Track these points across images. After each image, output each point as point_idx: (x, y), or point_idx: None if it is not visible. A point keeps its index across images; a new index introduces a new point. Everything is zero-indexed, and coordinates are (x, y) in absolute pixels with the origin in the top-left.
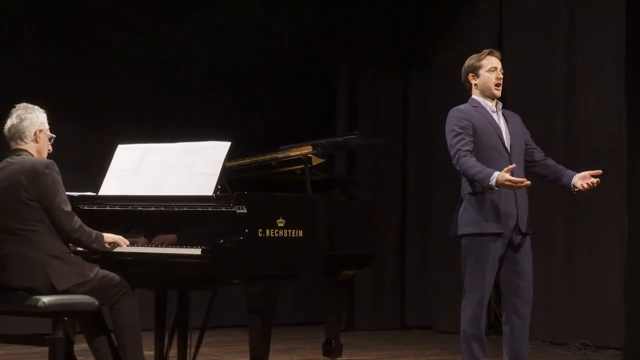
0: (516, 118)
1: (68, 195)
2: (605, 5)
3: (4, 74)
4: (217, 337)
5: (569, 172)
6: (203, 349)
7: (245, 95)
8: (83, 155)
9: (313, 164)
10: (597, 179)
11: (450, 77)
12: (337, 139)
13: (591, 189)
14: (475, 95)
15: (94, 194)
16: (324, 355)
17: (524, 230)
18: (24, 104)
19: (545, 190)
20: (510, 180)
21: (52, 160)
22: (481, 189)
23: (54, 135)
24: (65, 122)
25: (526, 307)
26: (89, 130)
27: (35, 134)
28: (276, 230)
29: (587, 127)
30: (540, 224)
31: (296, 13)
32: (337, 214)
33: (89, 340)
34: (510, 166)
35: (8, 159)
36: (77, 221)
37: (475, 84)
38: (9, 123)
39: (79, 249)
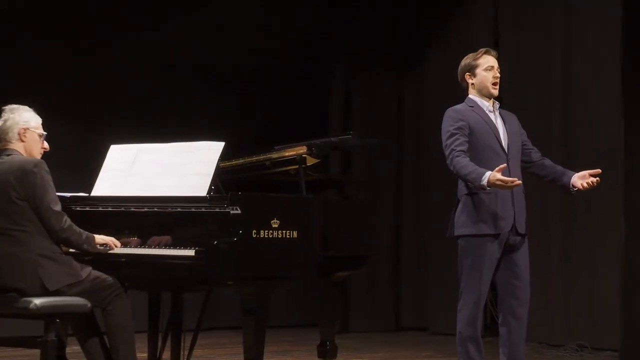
0: (513, 118)
1: (60, 196)
2: (602, 4)
3: (3, 73)
4: (210, 339)
5: (568, 172)
6: (197, 351)
7: (239, 95)
8: (77, 155)
9: (308, 164)
10: (597, 178)
11: (445, 77)
12: (332, 139)
13: (591, 189)
14: (472, 95)
15: (86, 194)
16: (318, 357)
17: (521, 231)
18: (10, 105)
19: (543, 190)
20: (501, 180)
21: (41, 159)
22: (475, 189)
23: (45, 133)
24: (60, 122)
25: (523, 308)
26: (84, 130)
27: (19, 133)
28: (270, 231)
29: (585, 127)
30: (537, 224)
31: (292, 13)
32: (331, 215)
33: (81, 343)
34: (501, 165)
35: None
36: (67, 221)
37: (472, 84)
38: None
39: (71, 250)
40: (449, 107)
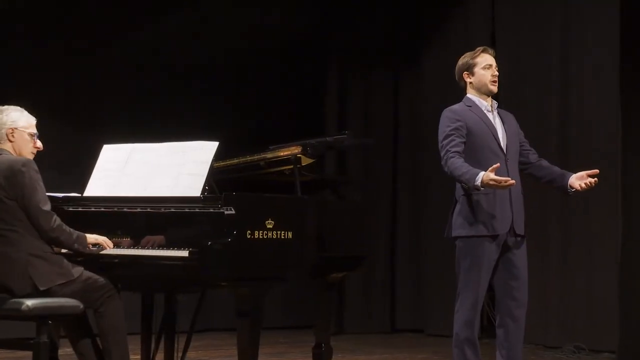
0: (511, 118)
1: (52, 196)
2: (600, 4)
3: None
4: (204, 340)
5: (565, 173)
6: (190, 353)
7: (234, 95)
8: (71, 155)
9: (302, 164)
10: (595, 179)
11: (442, 76)
12: (327, 138)
13: (588, 189)
14: (470, 94)
15: (79, 194)
16: (313, 359)
17: (519, 232)
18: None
19: (540, 191)
20: (495, 180)
21: (30, 159)
22: (470, 190)
23: (36, 132)
24: (53, 122)
25: (521, 310)
26: (77, 130)
27: (7, 133)
28: (265, 232)
29: (583, 127)
30: (535, 225)
31: (288, 12)
32: (327, 215)
33: (73, 344)
34: (495, 165)
35: None
36: (56, 220)
37: (470, 82)
38: None
39: (63, 250)
40: (446, 107)
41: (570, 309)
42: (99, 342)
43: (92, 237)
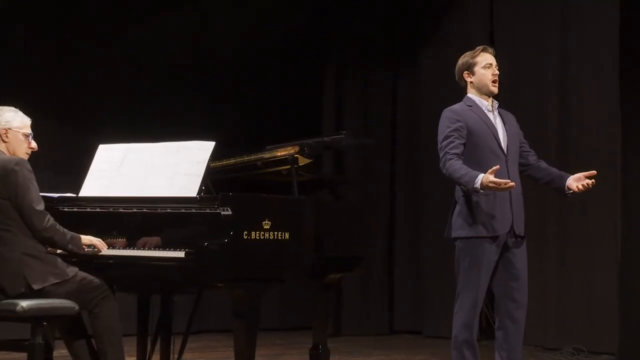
0: (512, 118)
1: (48, 197)
2: (599, 3)
3: None
4: (201, 342)
5: (563, 174)
6: (186, 355)
7: (230, 95)
8: (66, 155)
9: (300, 165)
10: (592, 180)
11: (440, 76)
12: (325, 138)
13: (586, 191)
14: (471, 94)
15: (74, 195)
16: None
17: (519, 233)
18: None
19: (539, 192)
20: (494, 182)
21: (23, 158)
22: (469, 192)
23: (31, 133)
24: (48, 122)
25: (521, 311)
26: (72, 130)
27: (0, 134)
28: (262, 233)
29: (582, 127)
30: (534, 226)
31: (285, 12)
32: (324, 216)
33: (68, 346)
34: (494, 167)
35: None
36: (49, 220)
37: (471, 82)
38: None
39: (58, 251)
40: (445, 106)
41: (569, 310)
42: (94, 343)
43: (86, 239)
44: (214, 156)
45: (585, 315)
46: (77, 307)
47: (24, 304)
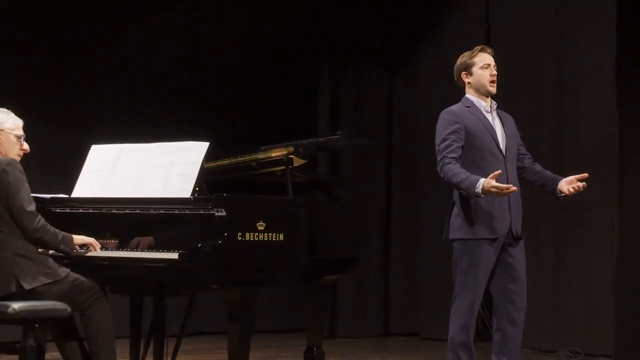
0: (510, 119)
1: (40, 198)
2: (595, 3)
3: None
4: (194, 344)
5: (557, 177)
6: (180, 357)
7: (226, 95)
8: (58, 156)
9: (294, 165)
10: (584, 182)
11: (436, 76)
12: (319, 139)
13: (577, 193)
14: (469, 95)
15: (67, 196)
16: None
17: (517, 234)
18: None
19: (535, 194)
20: (496, 187)
21: (14, 159)
22: (469, 196)
23: (23, 134)
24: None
25: (520, 313)
26: (65, 130)
27: None
28: (256, 234)
29: (577, 127)
30: (529, 227)
31: (279, 11)
32: (319, 217)
33: (60, 348)
34: (496, 172)
35: None
36: (40, 221)
37: (469, 82)
38: None
39: (50, 252)
40: (441, 106)
41: (565, 313)
42: (86, 345)
43: (79, 239)
44: (208, 157)
45: (582, 317)
46: (69, 309)
47: (16, 305)
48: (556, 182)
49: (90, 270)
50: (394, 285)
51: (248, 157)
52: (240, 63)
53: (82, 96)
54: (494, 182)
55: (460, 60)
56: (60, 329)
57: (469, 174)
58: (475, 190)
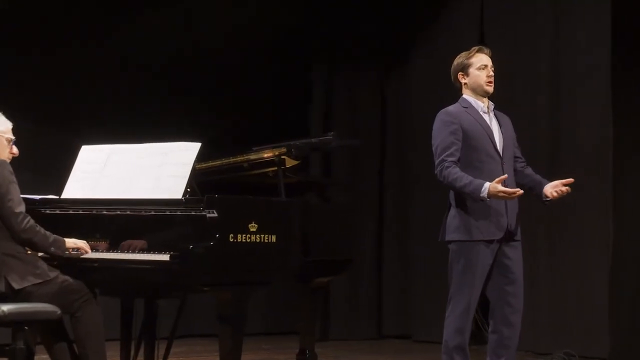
0: (508, 120)
1: (29, 199)
2: (590, 2)
3: None
4: (185, 346)
5: (543, 181)
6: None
7: (217, 95)
8: (48, 157)
9: (287, 166)
10: (568, 187)
11: (430, 76)
12: (312, 140)
13: (560, 198)
14: (466, 95)
15: (57, 197)
16: None
17: (514, 236)
18: None
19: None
20: (504, 192)
21: (4, 160)
22: (470, 198)
23: (14, 138)
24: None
25: (517, 316)
26: (55, 131)
27: None
28: (248, 235)
29: (573, 128)
30: (524, 230)
31: (272, 9)
32: (312, 218)
33: (49, 350)
34: (502, 177)
35: None
36: (28, 222)
37: (465, 83)
38: None
39: (39, 254)
40: (434, 106)
41: (560, 315)
42: (75, 348)
43: (71, 242)
44: (200, 157)
45: (577, 320)
46: (58, 312)
47: (5, 308)
48: (542, 186)
49: (81, 272)
50: (387, 287)
51: (240, 158)
52: (233, 64)
53: (72, 95)
54: (500, 187)
55: (457, 60)
56: (50, 331)
57: (471, 178)
58: (481, 195)
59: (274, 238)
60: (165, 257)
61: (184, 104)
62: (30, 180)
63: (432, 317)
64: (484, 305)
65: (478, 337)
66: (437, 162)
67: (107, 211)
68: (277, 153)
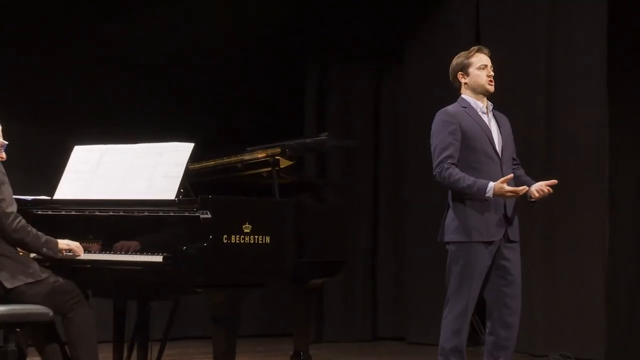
0: (506, 121)
1: (21, 199)
2: (586, 3)
3: None
4: (178, 348)
5: (531, 182)
6: None
7: (209, 95)
8: (41, 157)
9: (281, 167)
10: (550, 188)
11: (425, 76)
12: (306, 140)
13: (542, 197)
14: (465, 95)
15: (49, 197)
16: None
17: (513, 238)
18: None
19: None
20: (512, 191)
21: None
22: (471, 198)
23: (6, 142)
24: (22, 123)
25: (514, 317)
26: (47, 131)
27: None
28: (242, 236)
29: (569, 129)
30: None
31: (265, 10)
32: (306, 219)
33: (40, 353)
34: (508, 176)
35: None
36: (19, 222)
37: (465, 83)
38: None
39: (31, 255)
40: (429, 106)
41: (556, 317)
42: (67, 350)
43: (63, 243)
44: (193, 158)
45: (573, 321)
46: (50, 313)
47: None
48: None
49: (73, 273)
50: (381, 288)
51: (234, 158)
52: (226, 63)
53: (64, 95)
54: (506, 187)
55: (457, 60)
56: (42, 333)
57: (474, 179)
58: (486, 196)
59: (268, 239)
60: (158, 258)
61: (176, 104)
62: (22, 181)
63: (427, 319)
64: (480, 307)
65: (474, 338)
66: (436, 162)
67: (99, 212)
68: (271, 153)
